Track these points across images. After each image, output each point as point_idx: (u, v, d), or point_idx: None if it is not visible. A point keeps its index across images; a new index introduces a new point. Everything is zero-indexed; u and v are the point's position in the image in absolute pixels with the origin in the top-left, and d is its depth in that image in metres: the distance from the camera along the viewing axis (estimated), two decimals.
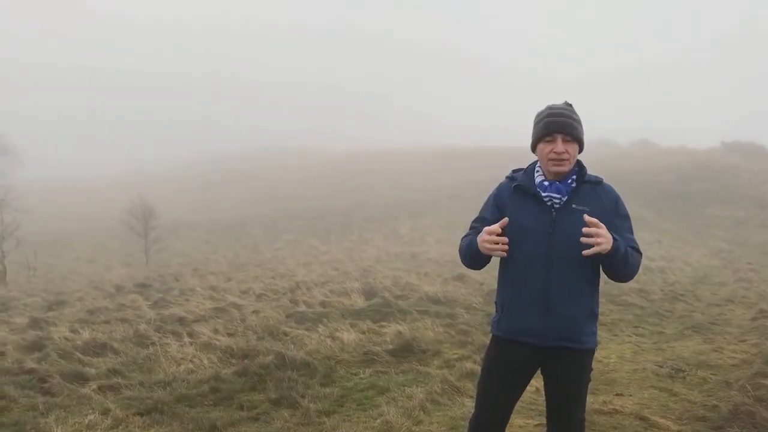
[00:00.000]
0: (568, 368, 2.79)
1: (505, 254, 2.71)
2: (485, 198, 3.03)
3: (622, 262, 2.66)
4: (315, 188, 63.96)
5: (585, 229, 2.58)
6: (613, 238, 2.60)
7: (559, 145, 2.70)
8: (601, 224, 2.58)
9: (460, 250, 2.96)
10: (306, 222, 43.20)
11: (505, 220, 2.71)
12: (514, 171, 2.99)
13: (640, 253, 2.77)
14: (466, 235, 2.96)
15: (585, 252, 2.57)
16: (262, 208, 54.42)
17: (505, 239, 2.69)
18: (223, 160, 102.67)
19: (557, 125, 2.70)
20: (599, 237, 2.54)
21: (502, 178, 3.02)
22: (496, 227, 2.69)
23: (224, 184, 79.28)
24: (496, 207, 2.91)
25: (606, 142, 74.84)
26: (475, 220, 2.98)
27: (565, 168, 2.74)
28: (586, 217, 2.58)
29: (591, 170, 2.87)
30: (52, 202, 75.34)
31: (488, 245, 2.68)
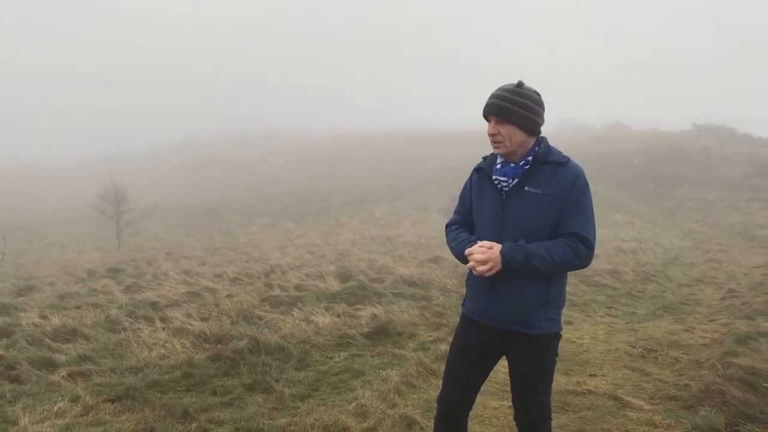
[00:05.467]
0: (527, 353, 2.77)
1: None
2: (463, 182, 3.02)
3: (528, 267, 2.60)
4: (293, 173, 63.63)
5: (471, 260, 2.65)
6: (503, 253, 2.59)
7: (491, 127, 2.73)
8: (481, 248, 2.63)
9: (448, 243, 2.99)
10: (282, 206, 43.02)
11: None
12: (486, 156, 2.98)
13: (583, 239, 2.62)
14: (452, 223, 3.02)
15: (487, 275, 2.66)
16: (239, 192, 54.01)
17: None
18: (202, 145, 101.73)
19: (489, 107, 2.72)
20: (483, 264, 2.61)
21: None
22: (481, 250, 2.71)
23: (203, 170, 78.49)
24: (470, 192, 2.96)
25: (580, 126, 75.42)
26: (458, 207, 3.04)
27: (501, 150, 2.74)
28: (474, 248, 2.67)
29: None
30: (24, 188, 74.01)
31: (472, 264, 2.68)
